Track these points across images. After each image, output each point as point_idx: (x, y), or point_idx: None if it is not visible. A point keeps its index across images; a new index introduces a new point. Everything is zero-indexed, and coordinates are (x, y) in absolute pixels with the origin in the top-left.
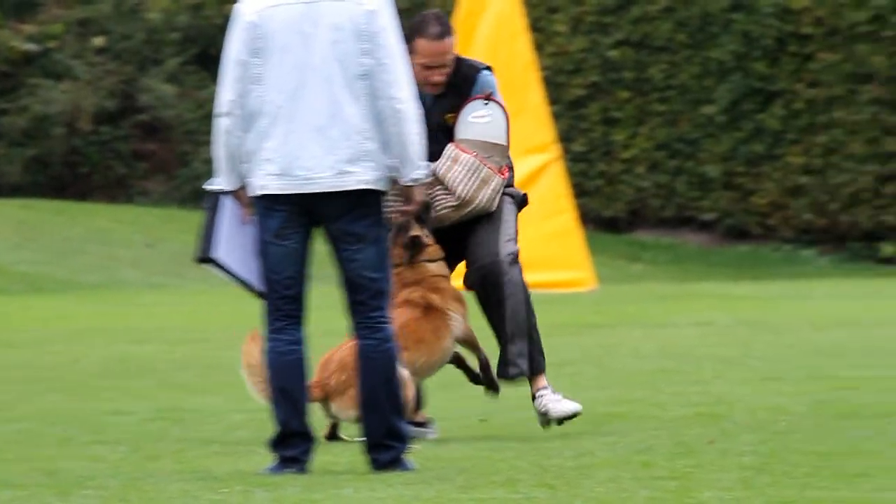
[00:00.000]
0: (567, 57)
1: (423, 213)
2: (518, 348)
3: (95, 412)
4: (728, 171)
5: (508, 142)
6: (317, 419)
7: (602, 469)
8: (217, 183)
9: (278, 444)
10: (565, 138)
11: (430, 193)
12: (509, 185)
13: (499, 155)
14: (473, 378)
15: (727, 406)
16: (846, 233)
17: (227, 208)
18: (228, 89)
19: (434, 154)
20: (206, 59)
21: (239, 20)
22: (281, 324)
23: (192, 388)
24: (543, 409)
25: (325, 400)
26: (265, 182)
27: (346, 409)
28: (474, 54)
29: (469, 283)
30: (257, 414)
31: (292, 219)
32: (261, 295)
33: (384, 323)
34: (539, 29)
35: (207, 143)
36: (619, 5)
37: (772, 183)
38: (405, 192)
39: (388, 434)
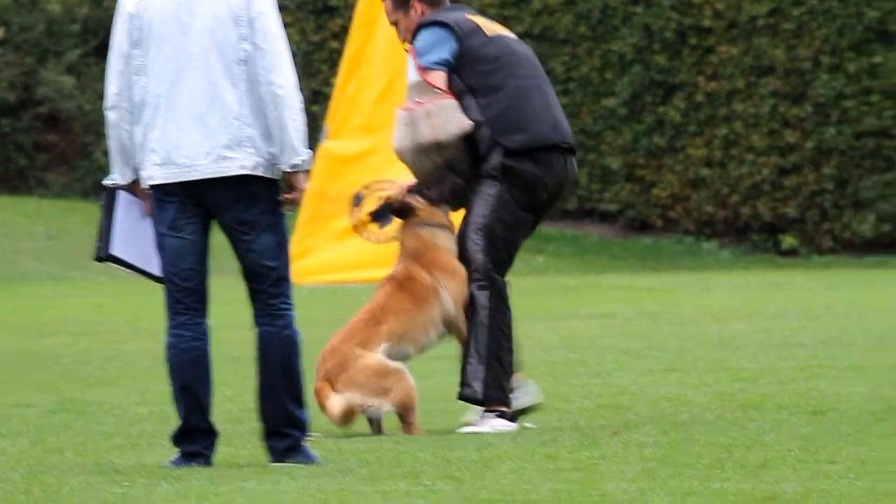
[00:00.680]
0: None
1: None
2: (472, 370)
3: None
4: (630, 164)
5: (423, 77)
6: (218, 413)
7: (506, 461)
8: (112, 177)
9: (180, 438)
10: None
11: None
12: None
13: (414, 93)
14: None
15: (630, 397)
16: (747, 225)
17: (122, 202)
18: (113, 82)
19: None
20: (107, 50)
21: (120, 12)
22: (183, 317)
23: (95, 381)
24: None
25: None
26: (151, 172)
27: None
28: (376, 46)
29: None
30: (160, 407)
31: (185, 210)
32: (162, 280)
33: (285, 309)
34: None
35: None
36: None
37: (673, 175)
38: (286, 180)
39: (286, 422)
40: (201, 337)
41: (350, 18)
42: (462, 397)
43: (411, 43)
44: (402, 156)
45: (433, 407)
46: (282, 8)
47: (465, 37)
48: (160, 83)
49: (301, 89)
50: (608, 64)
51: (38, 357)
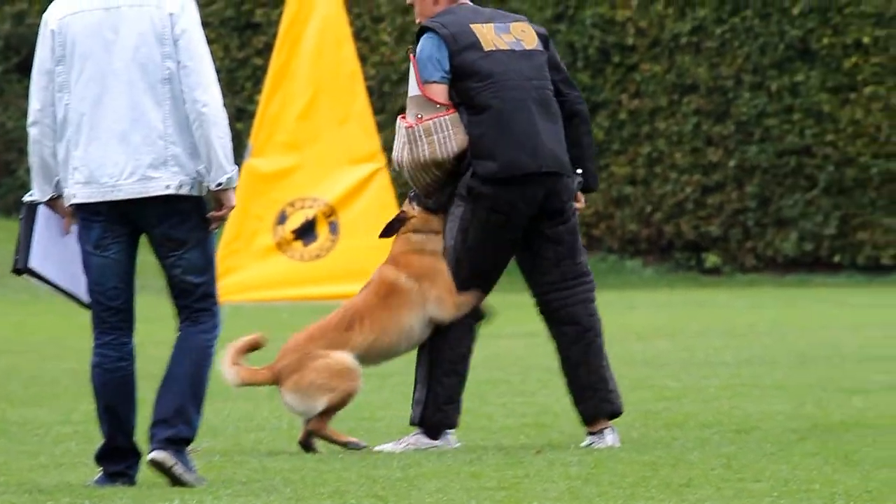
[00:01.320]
0: (392, 67)
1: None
2: (417, 395)
3: None
4: None
5: (423, 92)
6: (141, 432)
7: (431, 480)
8: (32, 194)
9: (104, 458)
10: (391, 148)
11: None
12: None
13: (415, 106)
14: None
15: (554, 416)
16: (670, 243)
17: (42, 218)
18: (36, 98)
19: None
20: (29, 67)
21: (43, 29)
22: (108, 337)
23: (17, 400)
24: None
25: (277, 384)
26: (75, 191)
27: (288, 392)
28: (300, 62)
29: None
30: (83, 426)
31: (111, 229)
32: (86, 306)
33: (209, 320)
34: (364, 38)
35: None
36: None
37: (596, 193)
38: (214, 197)
39: (176, 412)
40: (126, 357)
41: (273, 35)
42: (410, 421)
43: (420, 34)
44: (400, 168)
45: (351, 426)
46: (205, 25)
47: (459, 51)
48: (83, 101)
49: (225, 106)
50: None
51: None
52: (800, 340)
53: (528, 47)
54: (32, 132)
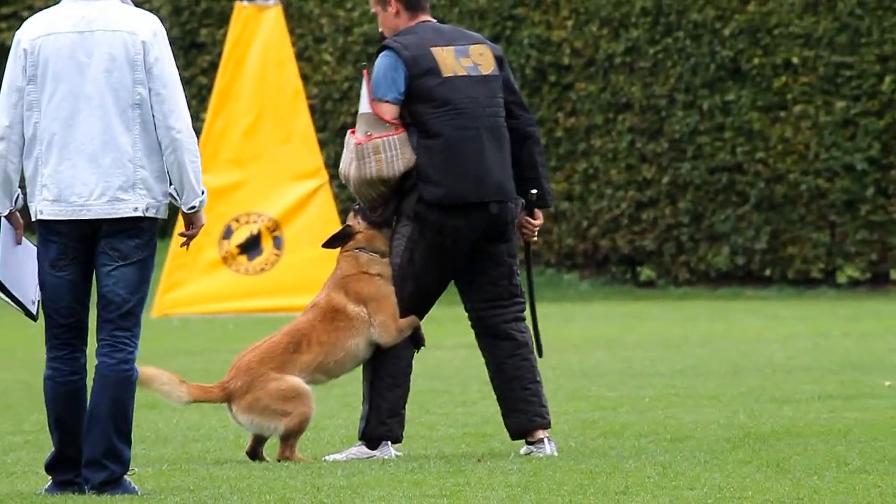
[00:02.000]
0: (334, 86)
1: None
2: (362, 411)
3: None
4: None
5: (373, 110)
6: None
7: (374, 488)
8: None
9: (53, 466)
10: (333, 164)
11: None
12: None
13: (364, 124)
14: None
15: (494, 426)
16: (606, 257)
17: (3, 230)
18: (5, 115)
19: None
20: None
21: (16, 47)
22: (61, 352)
23: None
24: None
25: (227, 402)
26: (41, 207)
27: (241, 413)
28: (244, 82)
29: None
30: (34, 436)
31: (68, 251)
32: (32, 317)
33: (127, 346)
34: (307, 58)
35: None
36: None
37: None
38: (185, 218)
39: (105, 454)
40: (78, 371)
41: (218, 55)
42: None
43: (380, 51)
44: (347, 183)
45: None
46: None
47: (418, 75)
48: (55, 120)
49: None
50: None
51: None
52: (732, 352)
53: (484, 72)
54: None
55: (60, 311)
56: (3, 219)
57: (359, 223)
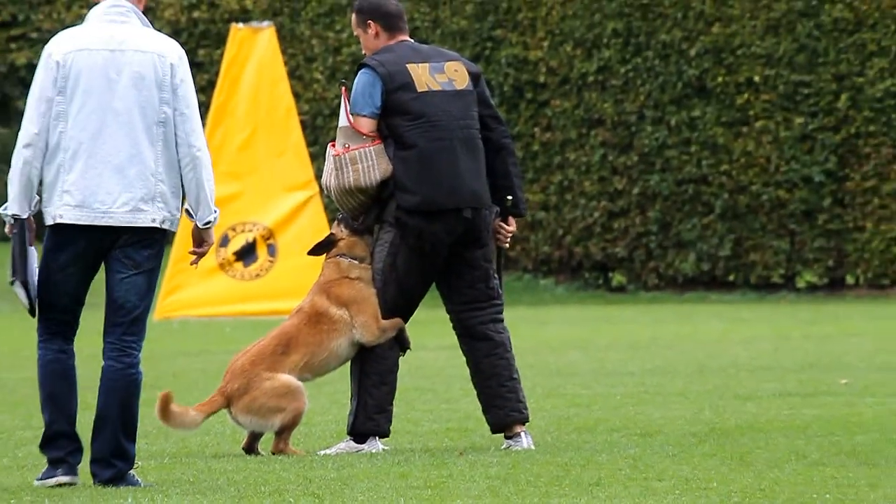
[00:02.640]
0: (324, 103)
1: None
2: (350, 407)
3: None
4: None
5: (349, 123)
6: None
7: (363, 480)
8: (9, 209)
9: (46, 444)
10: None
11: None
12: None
13: (343, 136)
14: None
15: (475, 421)
16: (580, 263)
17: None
18: (34, 123)
19: None
20: None
21: (47, 60)
22: (53, 338)
23: None
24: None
25: (228, 406)
26: (62, 212)
27: (240, 413)
28: (240, 99)
29: None
30: (42, 431)
31: (81, 255)
32: (32, 313)
33: (133, 350)
34: (298, 77)
35: None
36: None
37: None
38: (196, 234)
39: (113, 453)
40: (67, 352)
41: (215, 74)
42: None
43: (359, 68)
44: (328, 192)
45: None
46: None
47: (394, 90)
48: (83, 131)
49: None
50: None
51: None
52: (698, 352)
53: (458, 87)
54: (26, 153)
55: (59, 308)
56: (24, 221)
57: (341, 231)
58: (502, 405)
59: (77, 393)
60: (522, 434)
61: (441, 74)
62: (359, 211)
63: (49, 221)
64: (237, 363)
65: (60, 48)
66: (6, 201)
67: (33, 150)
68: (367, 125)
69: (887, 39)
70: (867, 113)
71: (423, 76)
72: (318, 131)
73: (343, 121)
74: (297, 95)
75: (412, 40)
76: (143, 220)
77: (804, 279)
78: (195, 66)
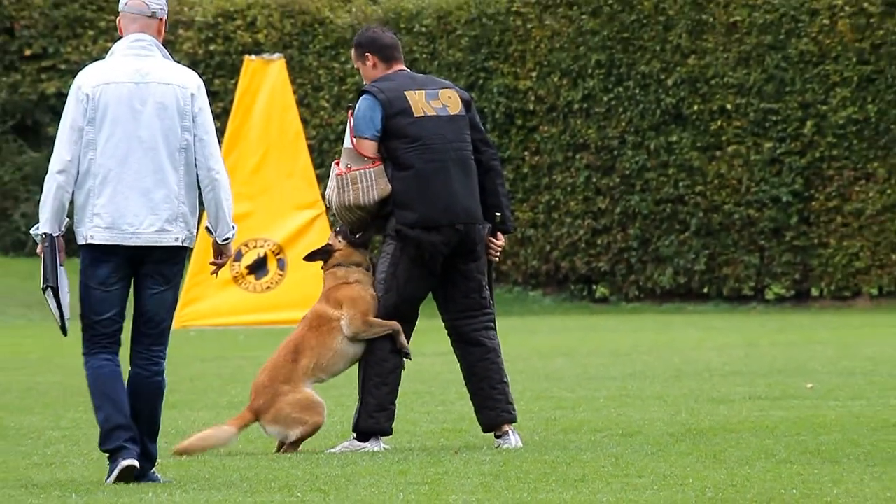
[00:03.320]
0: (330, 128)
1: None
2: (356, 407)
3: None
4: None
5: (353, 144)
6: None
7: (365, 476)
8: (40, 228)
9: (105, 440)
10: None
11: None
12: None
13: (346, 157)
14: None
15: (469, 423)
16: (566, 277)
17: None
18: (67, 150)
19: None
20: (23, 129)
21: (77, 92)
22: (98, 350)
23: (13, 409)
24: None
25: (257, 420)
26: (93, 233)
27: (269, 425)
28: (252, 125)
29: None
30: (70, 431)
31: (118, 270)
32: (64, 331)
33: (160, 359)
34: (306, 105)
35: (26, 200)
36: None
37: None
38: (216, 248)
39: (139, 456)
40: (114, 361)
41: (230, 102)
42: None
43: (360, 95)
44: (330, 207)
45: None
46: None
47: (393, 115)
48: (111, 158)
49: None
50: None
51: None
52: (675, 358)
53: (452, 113)
54: (59, 179)
55: (103, 322)
56: (57, 240)
57: (339, 242)
58: (493, 406)
59: (126, 393)
60: (510, 432)
61: (436, 101)
62: (357, 224)
63: (81, 241)
64: (258, 380)
65: (89, 81)
66: (37, 222)
67: (66, 176)
68: (368, 147)
69: (849, 71)
70: (830, 138)
71: (420, 102)
72: (324, 155)
73: (348, 142)
74: (305, 122)
75: (408, 69)
76: (167, 240)
77: (773, 291)
78: (211, 95)
